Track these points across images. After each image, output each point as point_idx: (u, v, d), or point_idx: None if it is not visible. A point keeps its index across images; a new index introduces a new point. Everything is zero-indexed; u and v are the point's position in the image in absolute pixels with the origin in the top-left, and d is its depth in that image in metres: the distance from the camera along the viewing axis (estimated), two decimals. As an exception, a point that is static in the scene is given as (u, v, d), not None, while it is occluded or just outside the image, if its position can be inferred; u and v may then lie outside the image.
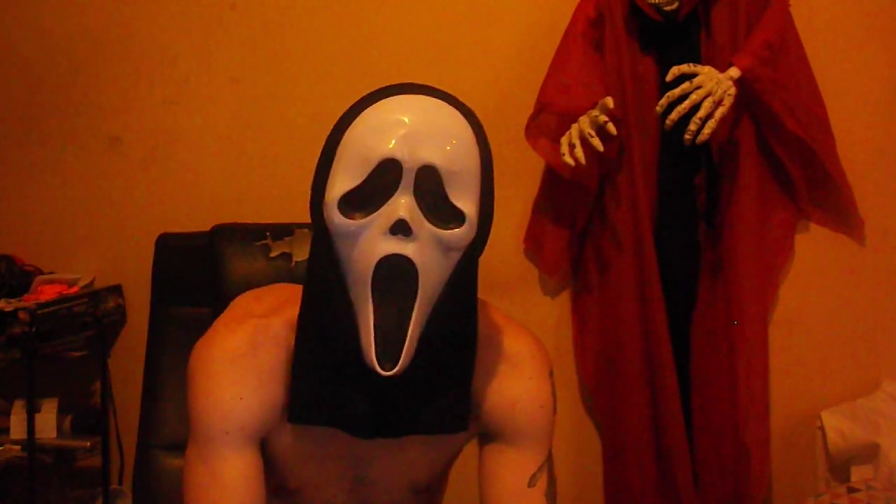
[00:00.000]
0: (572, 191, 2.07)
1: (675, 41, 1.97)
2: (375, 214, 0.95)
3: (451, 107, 1.01)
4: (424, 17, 2.27)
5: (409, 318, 0.96)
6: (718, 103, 1.84)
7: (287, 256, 1.77)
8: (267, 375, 1.05)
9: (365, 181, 0.96)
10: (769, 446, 2.03)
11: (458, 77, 2.23)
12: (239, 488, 1.03)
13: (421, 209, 0.95)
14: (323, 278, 1.00)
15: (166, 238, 1.95)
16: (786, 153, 2.00)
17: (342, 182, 0.97)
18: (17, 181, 2.50)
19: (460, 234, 0.97)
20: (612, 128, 1.84)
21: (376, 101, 1.00)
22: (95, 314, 2.28)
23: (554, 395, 1.19)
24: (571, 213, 2.12)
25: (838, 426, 1.97)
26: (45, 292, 2.27)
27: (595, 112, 1.86)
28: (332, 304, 0.99)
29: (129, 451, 2.24)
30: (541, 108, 2.04)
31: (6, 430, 2.29)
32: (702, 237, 2.02)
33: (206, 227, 1.91)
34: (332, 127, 1.05)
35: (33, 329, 2.13)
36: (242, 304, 1.16)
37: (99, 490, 2.29)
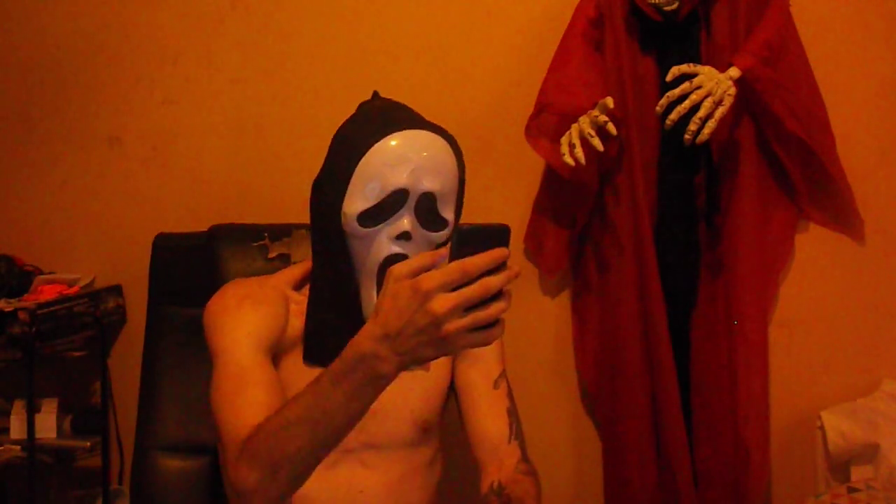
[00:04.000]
0: (572, 191, 2.07)
1: (675, 41, 1.97)
2: (384, 225, 1.27)
3: (442, 139, 1.31)
4: (424, 17, 2.27)
5: None
6: (718, 103, 1.84)
7: (285, 258, 1.77)
8: (273, 304, 1.36)
9: (379, 202, 1.27)
10: (769, 446, 2.03)
11: (459, 77, 2.23)
12: (266, 378, 1.25)
13: (419, 222, 1.28)
14: (335, 266, 1.32)
15: (164, 238, 1.95)
16: (786, 153, 2.00)
17: (360, 201, 1.27)
18: (17, 181, 2.50)
19: (444, 234, 1.31)
20: (612, 128, 1.84)
21: (386, 135, 1.27)
22: (95, 314, 2.28)
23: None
24: (571, 213, 2.12)
25: (838, 426, 1.97)
26: (45, 292, 2.27)
27: (595, 112, 1.86)
28: (342, 284, 1.32)
29: (129, 451, 2.23)
30: (541, 108, 2.04)
31: (6, 430, 2.28)
32: (702, 237, 2.02)
33: (207, 228, 1.90)
34: (338, 140, 1.34)
35: (33, 329, 2.13)
36: (239, 279, 1.48)
37: (99, 490, 2.29)
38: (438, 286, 0.91)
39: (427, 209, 1.29)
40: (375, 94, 1.43)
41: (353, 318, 1.27)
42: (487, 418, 1.41)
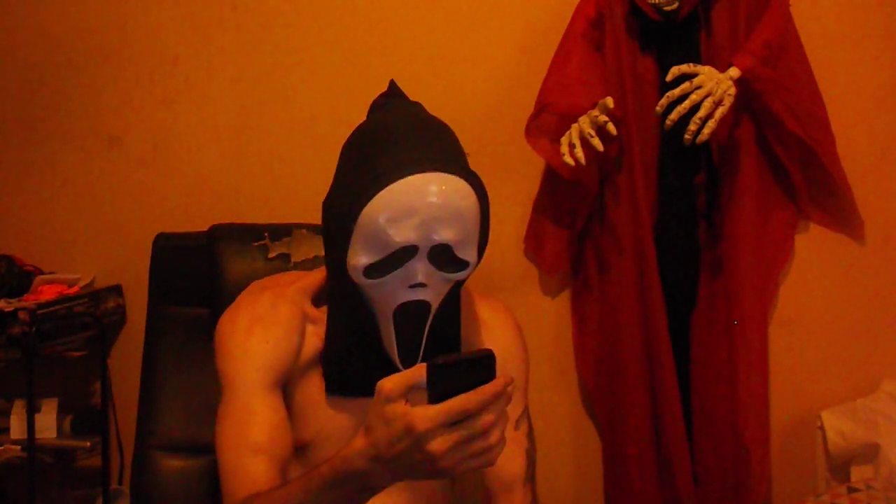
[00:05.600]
0: (572, 191, 2.07)
1: (675, 41, 1.97)
2: (395, 275, 1.16)
3: (459, 179, 1.15)
4: (424, 17, 2.27)
5: (424, 331, 1.21)
6: (718, 103, 1.84)
7: (285, 257, 1.77)
8: (286, 327, 1.26)
9: (384, 257, 1.15)
10: (769, 446, 2.03)
11: (459, 77, 2.23)
12: (270, 421, 1.20)
13: (435, 266, 1.16)
14: (350, 306, 1.23)
15: (164, 238, 1.95)
16: (786, 153, 2.00)
17: (364, 256, 1.15)
18: (17, 181, 2.50)
19: (465, 274, 1.20)
20: (612, 128, 1.84)
21: (386, 184, 1.12)
22: (95, 314, 2.28)
23: (526, 349, 1.43)
24: (571, 213, 2.12)
25: (838, 426, 1.97)
26: (45, 292, 2.27)
27: (595, 112, 1.86)
28: (359, 322, 1.23)
29: (129, 451, 2.23)
30: (541, 108, 2.04)
31: (6, 430, 2.29)
32: (702, 237, 2.02)
33: (207, 228, 1.90)
34: (339, 178, 1.22)
35: (33, 329, 2.13)
36: (259, 283, 1.36)
37: (99, 490, 2.28)
38: (435, 428, 0.88)
39: (443, 256, 1.17)
40: (392, 85, 1.31)
41: (374, 350, 1.23)
42: (504, 456, 1.31)
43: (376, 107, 1.28)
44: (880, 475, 1.86)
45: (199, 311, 1.82)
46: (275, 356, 1.25)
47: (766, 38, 1.90)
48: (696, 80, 1.85)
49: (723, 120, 1.86)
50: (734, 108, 1.88)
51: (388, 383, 0.92)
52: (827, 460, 1.99)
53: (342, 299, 1.24)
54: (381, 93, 1.30)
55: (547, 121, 2.04)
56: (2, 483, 2.37)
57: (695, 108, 1.84)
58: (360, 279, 1.16)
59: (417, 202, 1.11)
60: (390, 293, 1.16)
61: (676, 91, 1.86)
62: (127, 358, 2.31)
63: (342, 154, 1.24)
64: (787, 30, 1.96)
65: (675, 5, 1.92)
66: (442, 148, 1.17)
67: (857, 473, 1.93)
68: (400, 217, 1.11)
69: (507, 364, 1.19)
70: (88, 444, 2.29)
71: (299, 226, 1.79)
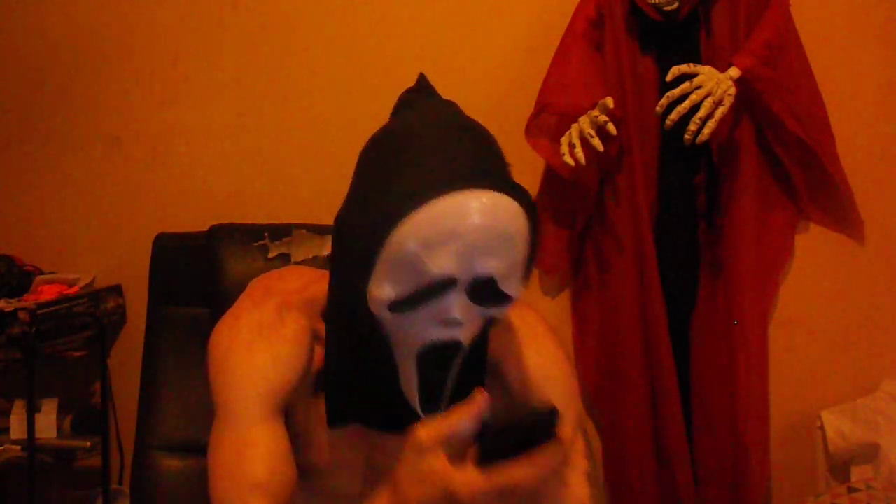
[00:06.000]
0: (572, 191, 2.07)
1: (675, 41, 1.97)
2: (425, 309, 0.92)
3: (506, 196, 0.92)
4: (425, 16, 2.27)
5: (449, 374, 0.98)
6: (718, 103, 1.84)
7: (285, 257, 1.77)
8: (293, 345, 1.05)
9: (416, 291, 0.91)
10: (769, 446, 2.03)
11: (459, 77, 2.23)
12: (272, 453, 1.02)
13: (472, 300, 0.93)
14: (360, 338, 0.99)
15: (164, 238, 1.95)
16: (786, 153, 2.00)
17: (390, 287, 0.92)
18: (17, 181, 2.50)
19: (506, 309, 0.97)
20: (612, 128, 1.84)
21: (423, 202, 0.89)
22: (95, 314, 2.28)
23: (564, 349, 1.19)
24: (571, 213, 2.12)
25: (838, 426, 1.97)
26: (45, 292, 2.27)
27: (595, 112, 1.86)
28: (370, 355, 0.99)
29: (129, 451, 2.23)
30: (541, 108, 2.04)
31: (6, 430, 2.28)
32: (702, 237, 2.02)
33: (206, 228, 1.91)
34: (359, 188, 0.96)
35: (33, 329, 2.13)
36: (262, 284, 1.14)
37: (99, 490, 2.28)
38: (480, 499, 0.76)
39: (484, 289, 0.93)
40: (421, 79, 1.10)
41: (385, 386, 1.00)
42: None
43: (403, 105, 1.05)
44: (880, 475, 1.86)
45: (198, 312, 1.82)
46: (279, 378, 1.04)
47: (766, 38, 1.90)
48: (696, 81, 1.85)
49: (723, 120, 1.86)
50: (734, 108, 1.88)
51: (425, 432, 0.79)
52: (827, 460, 1.99)
53: (350, 327, 1.02)
54: (407, 88, 1.09)
55: (547, 121, 2.04)
56: (2, 483, 2.37)
57: (695, 108, 1.84)
58: (383, 313, 0.94)
59: (458, 225, 0.88)
60: (417, 330, 0.94)
61: (676, 91, 1.86)
62: (127, 358, 2.31)
63: (361, 162, 0.99)
64: (787, 30, 1.96)
65: (675, 5, 1.92)
66: (485, 158, 0.95)
67: (857, 473, 1.93)
68: (437, 243, 0.89)
69: (550, 375, 1.11)
70: (88, 444, 2.29)
71: (299, 226, 1.79)
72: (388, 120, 1.03)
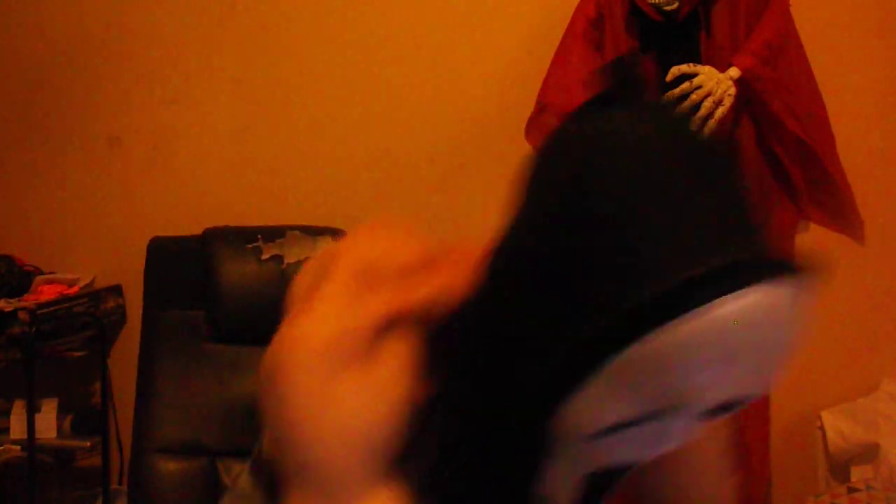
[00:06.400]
0: (572, 191, 2.07)
1: (675, 41, 1.97)
2: (631, 433, 0.59)
3: (793, 288, 0.59)
4: (425, 17, 2.27)
5: (610, 492, 0.71)
6: (718, 103, 1.84)
7: (278, 259, 1.77)
8: (396, 374, 0.60)
9: (647, 413, 0.58)
10: (769, 446, 2.03)
11: (459, 77, 2.23)
12: None
13: (700, 421, 0.62)
14: (499, 429, 0.62)
15: (158, 241, 1.95)
16: (786, 153, 2.00)
17: (613, 407, 0.57)
18: (17, 181, 2.50)
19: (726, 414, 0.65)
20: (611, 128, 1.84)
21: (695, 304, 0.53)
22: (95, 314, 2.28)
23: None
24: (571, 213, 2.11)
25: (838, 426, 1.97)
26: (45, 292, 2.27)
27: (595, 112, 1.86)
28: (500, 448, 0.64)
29: (129, 451, 2.24)
30: (541, 108, 2.04)
31: (6, 430, 2.29)
32: (702, 237, 2.02)
33: (202, 230, 1.91)
34: (556, 237, 0.56)
35: (33, 329, 2.13)
36: (355, 255, 0.59)
37: (99, 490, 2.29)
38: None
39: (724, 408, 0.61)
40: (621, 61, 0.61)
41: (508, 487, 0.66)
42: None
43: (607, 103, 0.60)
44: (880, 475, 1.86)
45: (193, 314, 1.82)
46: (385, 423, 0.59)
47: (766, 38, 1.91)
48: (696, 80, 1.85)
49: (723, 120, 1.86)
50: (734, 108, 1.88)
51: None
52: (827, 460, 1.99)
53: (486, 414, 0.64)
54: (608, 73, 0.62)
55: (547, 121, 2.03)
56: (2, 483, 2.37)
57: (695, 107, 1.84)
58: (582, 437, 0.59)
59: (746, 342, 0.55)
60: (603, 450, 0.61)
61: (676, 91, 1.86)
62: (127, 358, 2.31)
63: (534, 194, 0.61)
64: (787, 30, 1.96)
65: (675, 5, 1.92)
66: (754, 225, 0.59)
67: (857, 473, 1.93)
68: (715, 364, 0.55)
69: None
70: (88, 444, 2.29)
71: (292, 227, 1.80)
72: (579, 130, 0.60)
